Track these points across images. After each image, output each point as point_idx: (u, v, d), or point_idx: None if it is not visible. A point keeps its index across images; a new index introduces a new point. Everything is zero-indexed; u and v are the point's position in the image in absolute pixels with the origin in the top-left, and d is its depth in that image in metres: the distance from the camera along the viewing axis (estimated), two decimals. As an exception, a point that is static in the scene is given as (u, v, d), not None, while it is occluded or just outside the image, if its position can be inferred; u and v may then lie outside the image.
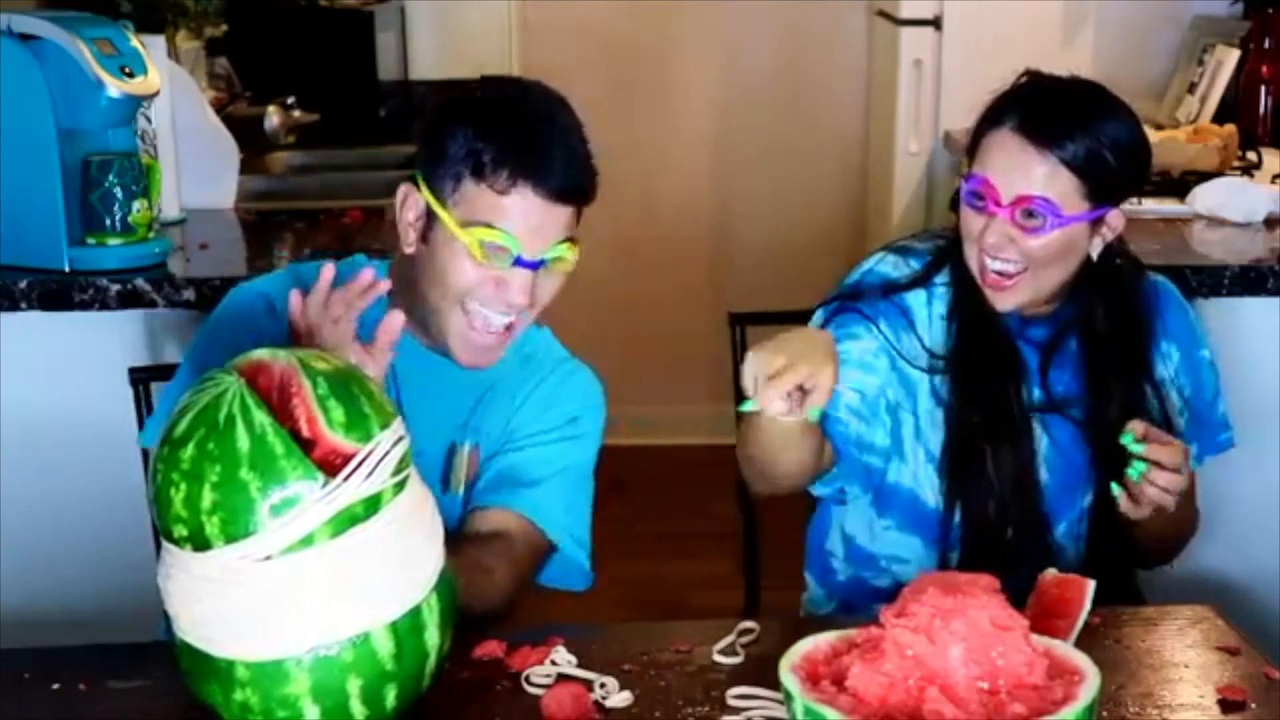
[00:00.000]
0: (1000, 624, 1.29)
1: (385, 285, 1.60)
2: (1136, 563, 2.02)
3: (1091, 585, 1.54)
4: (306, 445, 1.28)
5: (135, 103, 2.39)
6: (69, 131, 2.33)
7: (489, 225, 1.64)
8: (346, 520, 1.27)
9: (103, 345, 2.37)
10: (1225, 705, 1.42)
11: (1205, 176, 2.96)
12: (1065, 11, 3.94)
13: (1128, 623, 1.59)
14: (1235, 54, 3.63)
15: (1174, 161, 3.04)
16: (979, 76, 4.26)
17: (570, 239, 1.70)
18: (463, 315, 1.69)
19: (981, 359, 1.88)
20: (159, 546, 2.06)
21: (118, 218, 2.35)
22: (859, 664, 1.29)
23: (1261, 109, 3.59)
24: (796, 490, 1.87)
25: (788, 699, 1.30)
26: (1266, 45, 3.60)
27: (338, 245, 2.59)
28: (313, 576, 1.27)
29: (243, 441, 1.25)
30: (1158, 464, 1.70)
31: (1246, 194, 2.83)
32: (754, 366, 1.56)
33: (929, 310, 1.91)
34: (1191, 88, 3.77)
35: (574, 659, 1.49)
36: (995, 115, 1.84)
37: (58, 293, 2.33)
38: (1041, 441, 1.90)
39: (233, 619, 1.28)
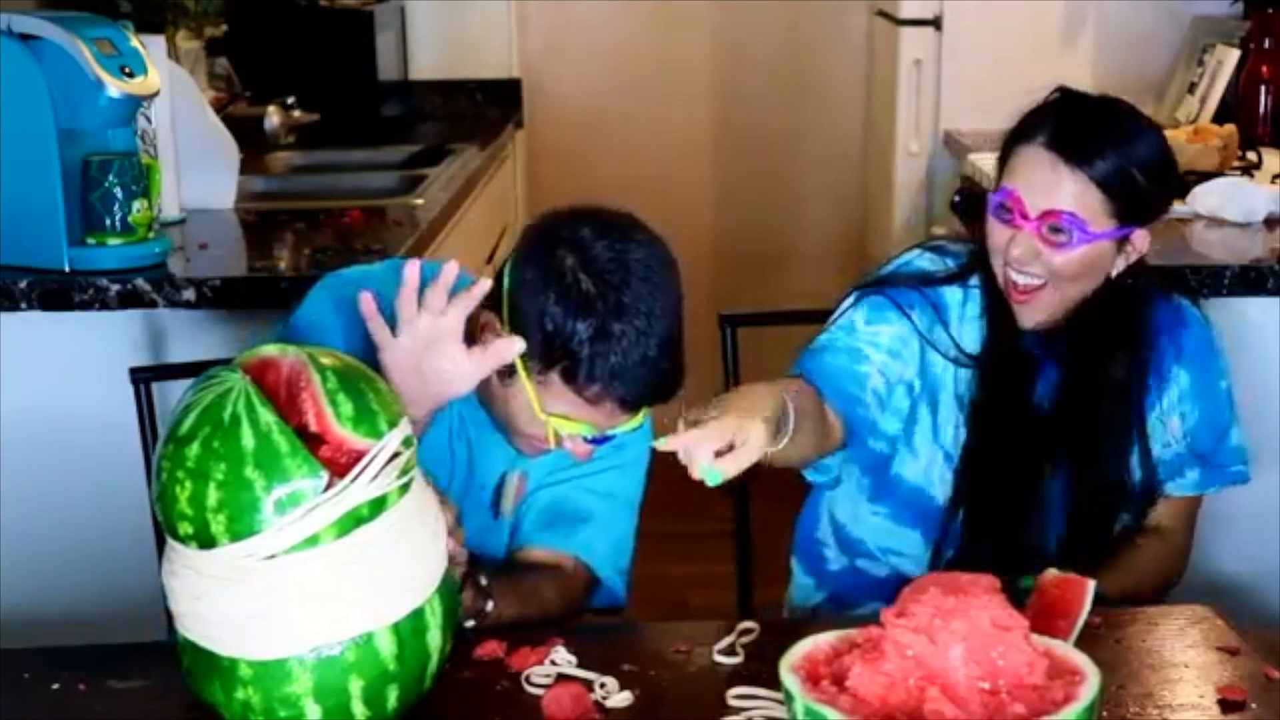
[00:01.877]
0: (1001, 624, 1.29)
1: (485, 285, 1.57)
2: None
3: (1092, 585, 1.54)
4: (314, 440, 1.28)
5: (135, 103, 2.38)
6: (69, 131, 2.33)
7: (569, 419, 1.61)
8: (351, 521, 1.27)
9: (103, 345, 2.37)
10: (1225, 705, 1.42)
11: (1205, 176, 2.95)
12: (1065, 11, 3.94)
13: (1128, 623, 1.59)
14: (1235, 54, 3.63)
15: (1174, 161, 3.04)
16: (979, 76, 4.32)
17: None
18: (525, 440, 1.69)
19: (1010, 364, 1.89)
20: (160, 546, 2.06)
21: (118, 218, 2.35)
22: (859, 664, 1.29)
23: (1261, 109, 3.59)
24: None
25: (788, 699, 1.30)
26: (1266, 45, 3.60)
27: (338, 245, 2.59)
28: (317, 576, 1.27)
29: (248, 440, 1.25)
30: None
31: (1246, 194, 2.83)
32: (690, 413, 1.54)
33: (963, 309, 1.92)
34: (1191, 88, 3.77)
35: (574, 659, 1.49)
36: (1027, 130, 1.85)
37: (58, 293, 2.33)
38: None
39: (236, 617, 1.28)
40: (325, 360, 1.32)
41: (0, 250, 2.37)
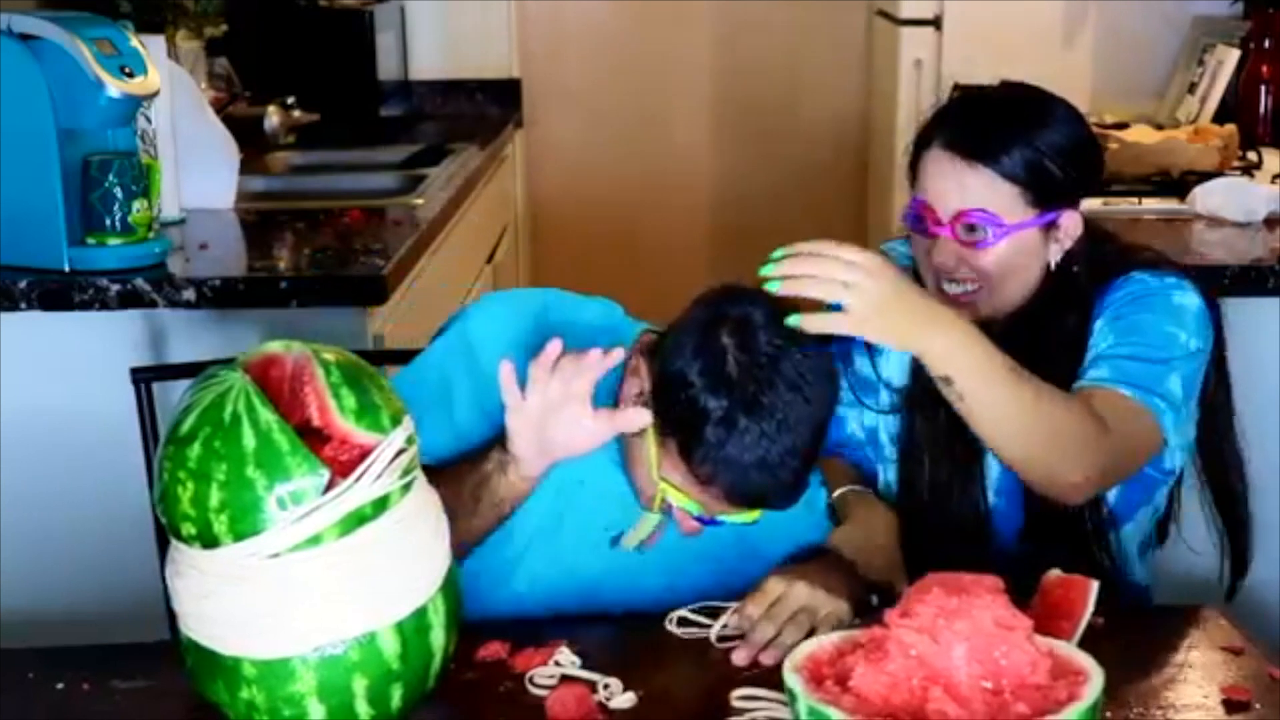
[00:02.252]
0: (1004, 624, 1.29)
1: (618, 354, 1.57)
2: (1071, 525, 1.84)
3: (1095, 585, 1.54)
4: (316, 435, 1.28)
5: (135, 103, 2.38)
6: (69, 131, 2.33)
7: (679, 490, 1.60)
8: (355, 520, 1.27)
9: (103, 345, 2.37)
10: (1229, 705, 1.42)
11: (1205, 176, 2.95)
12: (1065, 11, 3.95)
13: (1131, 622, 1.59)
14: (1235, 54, 3.64)
15: (1174, 161, 3.04)
16: (979, 76, 4.29)
17: None
18: (642, 495, 1.68)
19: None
20: (160, 546, 2.07)
21: (118, 218, 2.35)
22: (863, 664, 1.29)
23: (1261, 109, 3.59)
24: None
25: (792, 699, 1.30)
26: (1266, 45, 3.60)
27: (338, 245, 2.59)
28: (320, 575, 1.27)
29: (248, 439, 1.25)
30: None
31: (1246, 194, 2.83)
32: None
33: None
34: (1191, 88, 3.77)
35: (577, 660, 1.49)
36: (926, 136, 1.79)
37: (58, 293, 2.33)
38: (992, 469, 1.84)
39: (240, 617, 1.28)
40: (329, 355, 1.32)
41: (0, 250, 2.37)
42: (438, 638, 1.33)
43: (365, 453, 1.29)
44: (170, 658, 1.40)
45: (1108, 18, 3.94)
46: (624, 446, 1.67)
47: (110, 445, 2.30)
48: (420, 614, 1.31)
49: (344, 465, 1.27)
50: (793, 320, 1.53)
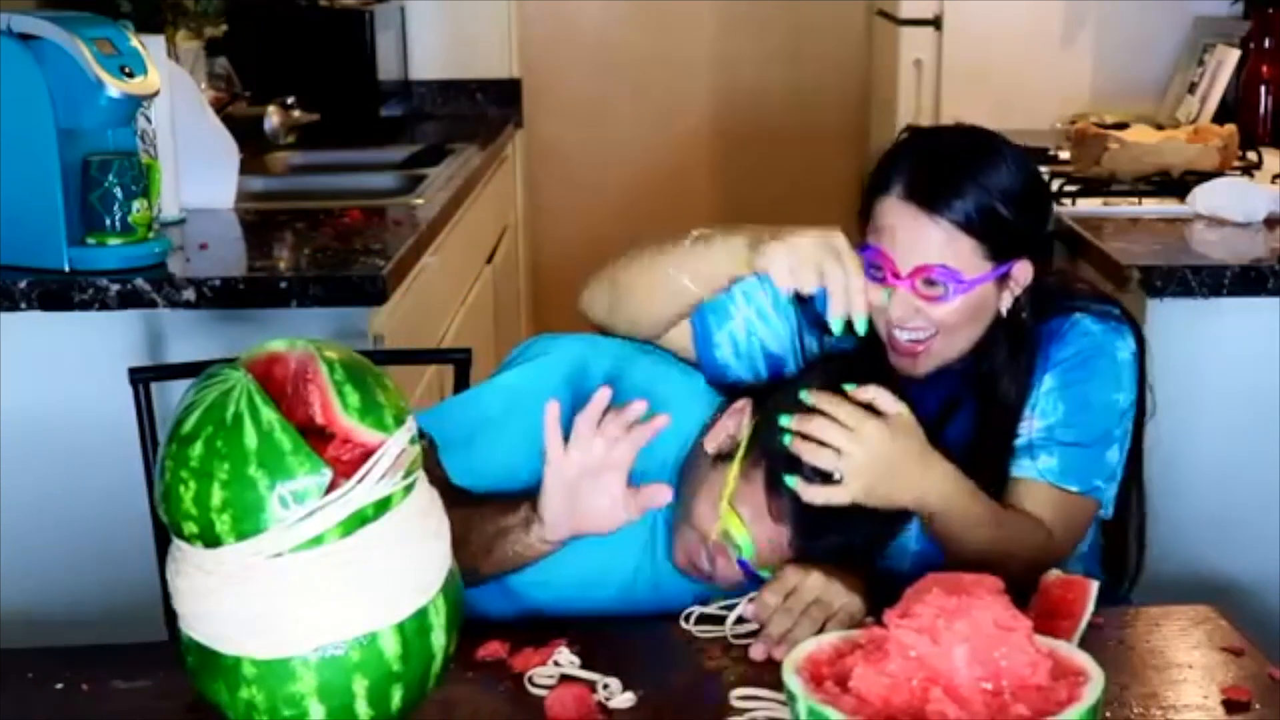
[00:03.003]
0: (1004, 625, 1.29)
1: (662, 421, 1.57)
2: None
3: (1095, 586, 1.54)
4: (319, 434, 1.28)
5: (135, 103, 2.38)
6: (69, 131, 2.33)
7: (742, 525, 1.61)
8: (357, 520, 1.27)
9: (103, 345, 2.37)
10: (1229, 706, 1.42)
11: (1205, 176, 2.95)
12: (1065, 11, 3.95)
13: (1131, 623, 1.59)
14: (1235, 54, 3.63)
15: (1174, 161, 3.03)
16: (979, 76, 4.32)
17: None
18: (682, 541, 1.69)
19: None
20: (159, 546, 2.08)
21: (117, 218, 2.35)
22: (862, 665, 1.29)
23: (1261, 109, 3.59)
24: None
25: (791, 700, 1.29)
26: (1267, 45, 3.60)
27: (338, 245, 2.59)
28: (322, 575, 1.27)
29: (250, 438, 1.25)
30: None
31: (1246, 194, 2.83)
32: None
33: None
34: (1191, 88, 3.77)
35: (577, 660, 1.49)
36: (882, 181, 1.75)
37: (57, 293, 2.33)
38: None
39: (241, 616, 1.28)
40: (332, 353, 1.32)
41: (0, 250, 2.37)
42: (439, 639, 1.33)
43: (368, 452, 1.28)
44: (170, 658, 1.39)
45: (1108, 18, 3.94)
46: (687, 473, 1.68)
47: (110, 445, 2.30)
48: (421, 615, 1.31)
49: (346, 465, 1.27)
50: (790, 481, 1.57)
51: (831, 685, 1.29)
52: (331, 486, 1.26)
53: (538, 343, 1.84)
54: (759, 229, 1.68)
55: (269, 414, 1.26)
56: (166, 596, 2.06)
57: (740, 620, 1.57)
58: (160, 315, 2.37)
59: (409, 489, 1.31)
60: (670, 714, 1.42)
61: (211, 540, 1.27)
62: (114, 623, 2.32)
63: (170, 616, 2.07)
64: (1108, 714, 1.39)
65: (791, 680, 1.29)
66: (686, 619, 1.59)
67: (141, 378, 2.08)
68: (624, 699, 1.43)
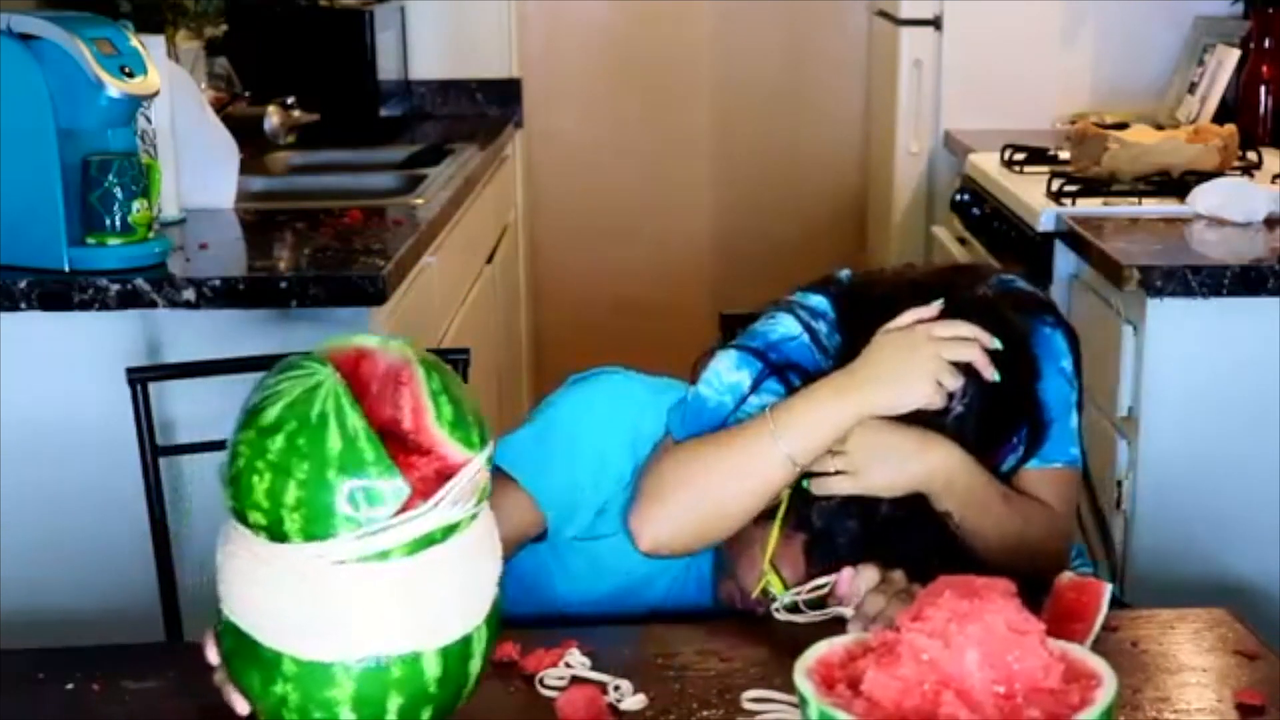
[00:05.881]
0: (1016, 628, 1.28)
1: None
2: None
3: (1108, 588, 1.53)
4: (398, 439, 1.25)
5: (135, 103, 2.38)
6: (69, 131, 2.32)
7: (783, 582, 1.63)
8: (424, 541, 1.25)
9: (102, 345, 2.36)
10: (1243, 710, 1.41)
11: (1205, 176, 2.95)
12: (1065, 11, 3.95)
13: (1144, 626, 1.58)
14: (1235, 54, 3.63)
15: (1174, 161, 3.03)
16: (979, 76, 4.32)
17: None
18: (726, 590, 1.72)
19: None
20: (159, 546, 2.07)
21: (117, 218, 2.34)
22: (874, 668, 1.28)
23: (1261, 109, 3.59)
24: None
25: (802, 703, 1.29)
26: (1267, 45, 3.60)
27: (338, 245, 2.58)
28: (381, 589, 1.24)
29: (334, 442, 1.22)
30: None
31: (1246, 194, 2.83)
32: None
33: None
34: (1191, 88, 3.77)
35: (588, 661, 1.48)
36: None
37: (57, 293, 2.32)
38: None
39: (292, 614, 1.25)
40: (429, 359, 1.30)
41: (0, 250, 2.36)
42: (474, 666, 1.31)
43: (447, 467, 1.26)
44: (182, 658, 1.39)
45: (1108, 18, 3.94)
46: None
47: (110, 445, 2.29)
48: (465, 642, 1.29)
49: (425, 479, 1.25)
50: (804, 484, 1.60)
51: (843, 688, 1.28)
52: (407, 502, 1.24)
53: (574, 382, 1.84)
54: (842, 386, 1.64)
55: (355, 420, 1.23)
56: (166, 597, 2.07)
57: (817, 606, 1.56)
58: (160, 315, 2.36)
59: (475, 515, 1.29)
60: (681, 716, 1.41)
61: (278, 535, 1.24)
62: (114, 623, 2.31)
63: (169, 617, 2.07)
64: (1121, 718, 1.38)
65: (803, 683, 1.28)
66: (778, 611, 1.59)
67: (140, 378, 2.07)
68: (635, 700, 1.42)
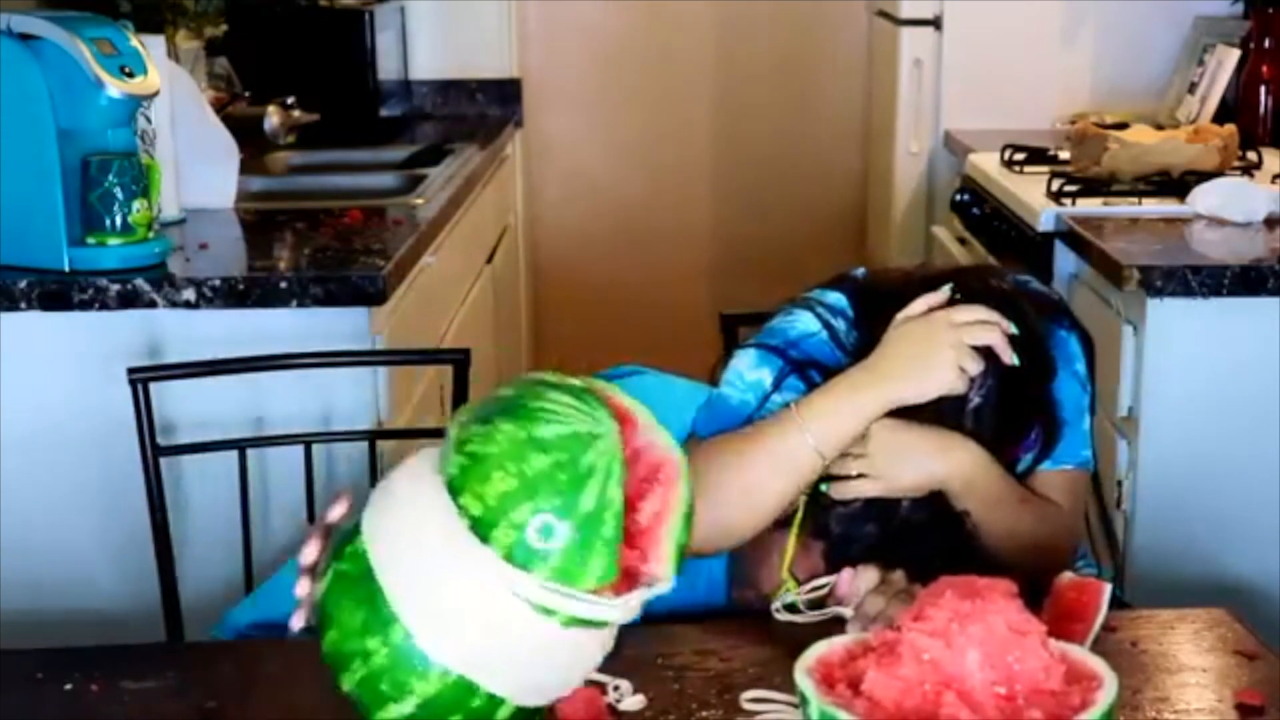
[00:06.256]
0: (1018, 628, 1.28)
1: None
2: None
3: (1108, 589, 1.53)
4: (629, 534, 1.25)
5: (135, 103, 2.38)
6: (69, 131, 2.32)
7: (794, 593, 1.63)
8: (585, 621, 1.25)
9: (103, 345, 2.36)
10: (1243, 710, 1.41)
11: (1205, 176, 2.95)
12: (1065, 11, 3.94)
13: (1144, 626, 1.58)
14: (1235, 54, 3.63)
15: (1174, 161, 3.03)
16: (979, 76, 4.32)
17: None
18: (741, 594, 1.72)
19: None
20: (159, 546, 2.07)
21: (117, 218, 2.34)
22: (875, 668, 1.28)
23: (1261, 109, 3.59)
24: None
25: (803, 702, 1.28)
26: (1267, 45, 3.60)
27: (338, 245, 2.58)
28: (530, 636, 1.24)
29: (586, 500, 1.21)
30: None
31: (1246, 194, 2.82)
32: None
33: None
34: (1191, 88, 3.77)
35: (586, 662, 1.48)
36: None
37: (57, 293, 2.32)
38: None
39: (434, 597, 1.23)
40: (692, 476, 1.29)
41: (0, 250, 2.36)
42: None
43: (642, 573, 1.26)
44: (182, 659, 1.38)
45: (1108, 18, 3.94)
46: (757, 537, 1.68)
47: (110, 445, 2.29)
48: (536, 712, 1.29)
49: (622, 575, 1.25)
50: (823, 487, 1.60)
51: (844, 688, 1.28)
52: (598, 588, 1.24)
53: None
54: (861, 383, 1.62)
55: (615, 493, 1.22)
56: (167, 597, 2.07)
57: (817, 606, 1.56)
58: (160, 315, 2.36)
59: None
60: (681, 716, 1.41)
61: (480, 533, 1.22)
62: (114, 623, 2.32)
63: (169, 617, 2.07)
64: (1121, 718, 1.38)
65: (804, 682, 1.28)
66: (778, 611, 1.59)
67: (141, 378, 2.07)
68: (634, 701, 1.42)
